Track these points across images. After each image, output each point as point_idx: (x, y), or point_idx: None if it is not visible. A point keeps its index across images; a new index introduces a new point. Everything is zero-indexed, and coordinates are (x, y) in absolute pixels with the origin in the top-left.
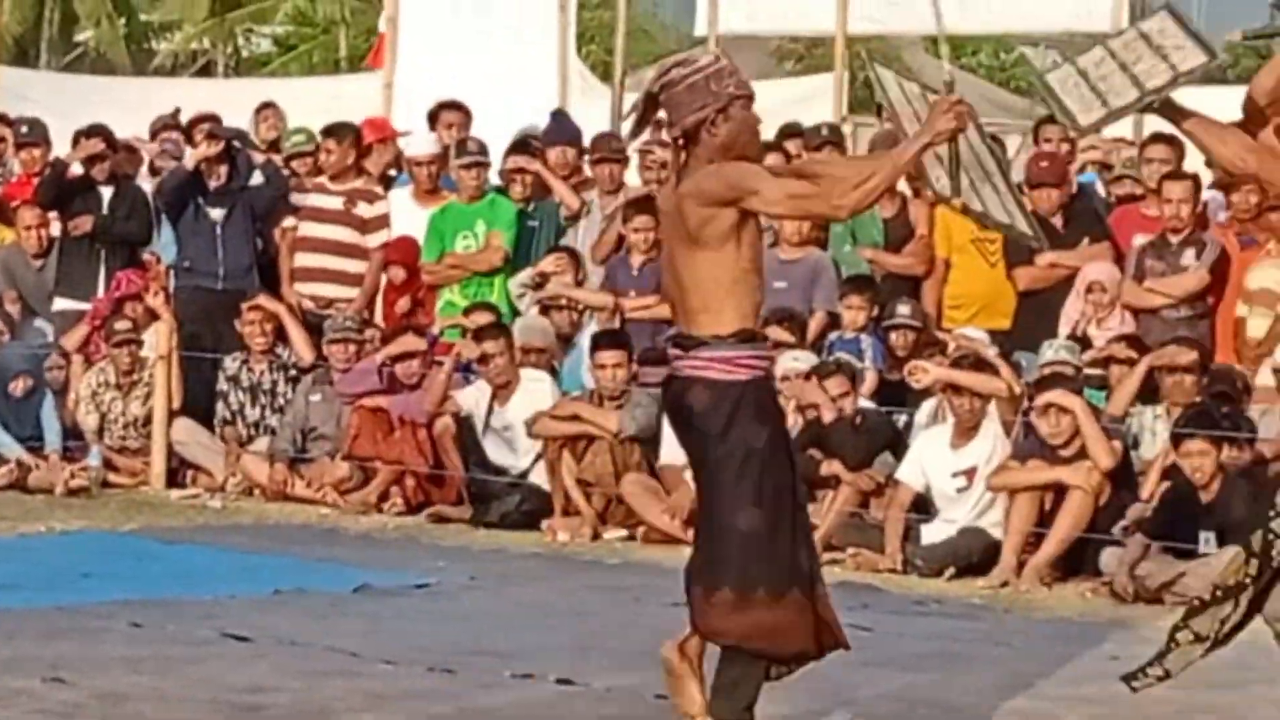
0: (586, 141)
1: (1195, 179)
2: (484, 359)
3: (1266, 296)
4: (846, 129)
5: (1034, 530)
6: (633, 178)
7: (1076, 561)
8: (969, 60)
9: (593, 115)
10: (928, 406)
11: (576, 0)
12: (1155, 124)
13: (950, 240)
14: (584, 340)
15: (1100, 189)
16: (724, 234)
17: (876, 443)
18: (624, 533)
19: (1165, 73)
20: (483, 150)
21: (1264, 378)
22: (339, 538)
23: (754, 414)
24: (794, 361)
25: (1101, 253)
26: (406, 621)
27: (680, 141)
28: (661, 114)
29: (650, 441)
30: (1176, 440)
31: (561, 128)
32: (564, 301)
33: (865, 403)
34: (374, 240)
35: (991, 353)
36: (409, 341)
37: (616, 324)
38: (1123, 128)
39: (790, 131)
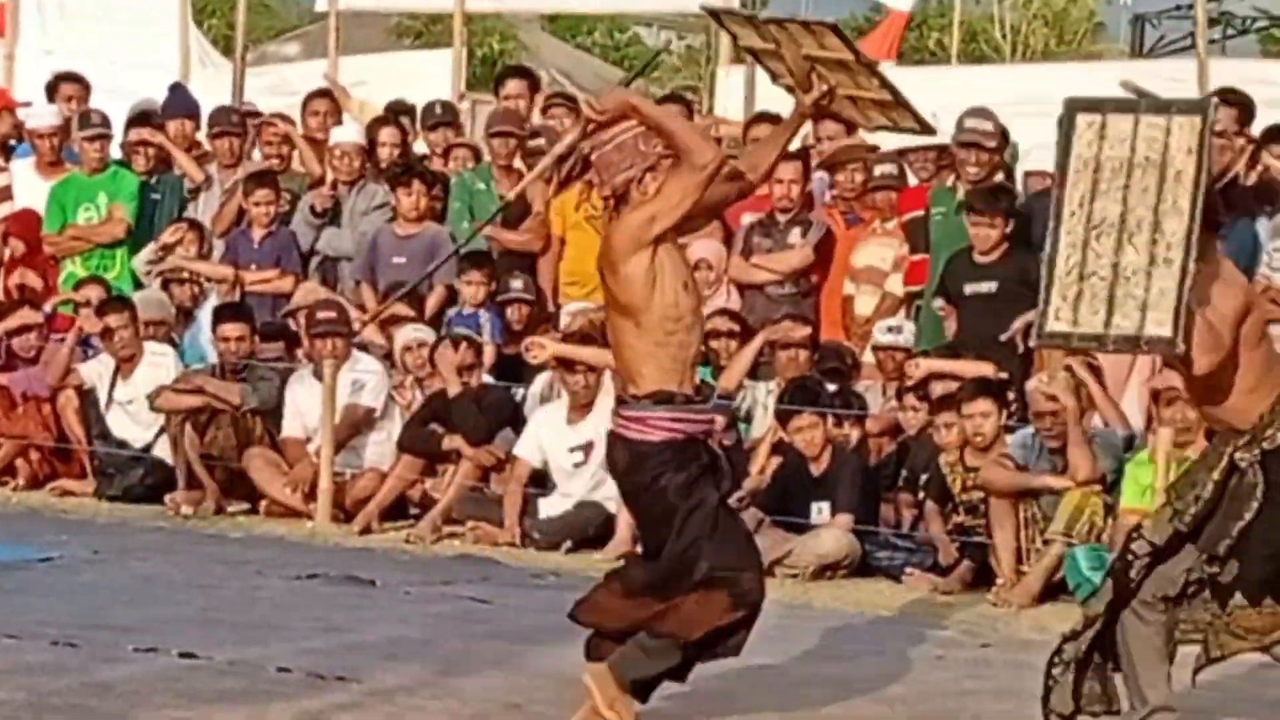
0: (205, 115)
1: (805, 159)
2: (107, 333)
3: (873, 274)
4: (464, 105)
5: None
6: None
7: None
8: (584, 40)
9: (214, 89)
10: (540, 382)
11: None
12: (762, 104)
13: (565, 218)
14: (204, 313)
15: None
16: (641, 294)
17: (497, 418)
18: (247, 506)
19: (1135, 320)
20: (105, 122)
21: (870, 354)
22: None
23: (672, 471)
24: (415, 333)
25: (710, 230)
26: (29, 595)
27: (611, 201)
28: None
29: (273, 414)
30: (786, 415)
31: (180, 101)
32: (185, 274)
33: (487, 378)
34: None
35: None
36: (25, 315)
37: (237, 297)
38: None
39: (401, 110)
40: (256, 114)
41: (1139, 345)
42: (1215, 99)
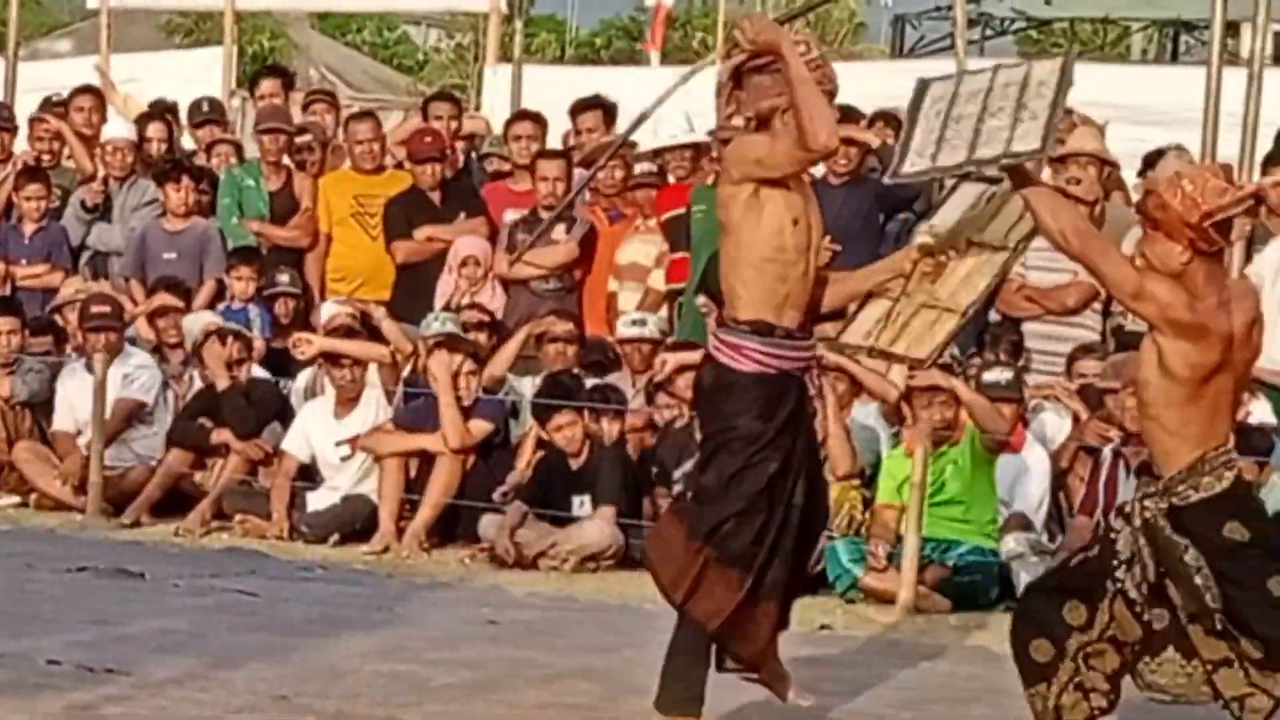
0: None
1: (567, 157)
2: None
3: (636, 271)
4: (235, 103)
5: (412, 496)
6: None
7: (456, 527)
8: (354, 38)
9: None
10: (304, 377)
11: None
12: (528, 103)
13: (331, 215)
14: None
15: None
16: (740, 214)
17: (265, 412)
18: (16, 499)
19: (1000, 144)
20: None
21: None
22: None
23: (753, 408)
24: (191, 324)
25: (477, 227)
26: None
27: (753, 123)
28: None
29: (43, 407)
30: (546, 412)
31: None
32: None
33: (258, 371)
34: None
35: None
36: None
37: (7, 291)
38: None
39: (165, 108)
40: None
41: (1003, 158)
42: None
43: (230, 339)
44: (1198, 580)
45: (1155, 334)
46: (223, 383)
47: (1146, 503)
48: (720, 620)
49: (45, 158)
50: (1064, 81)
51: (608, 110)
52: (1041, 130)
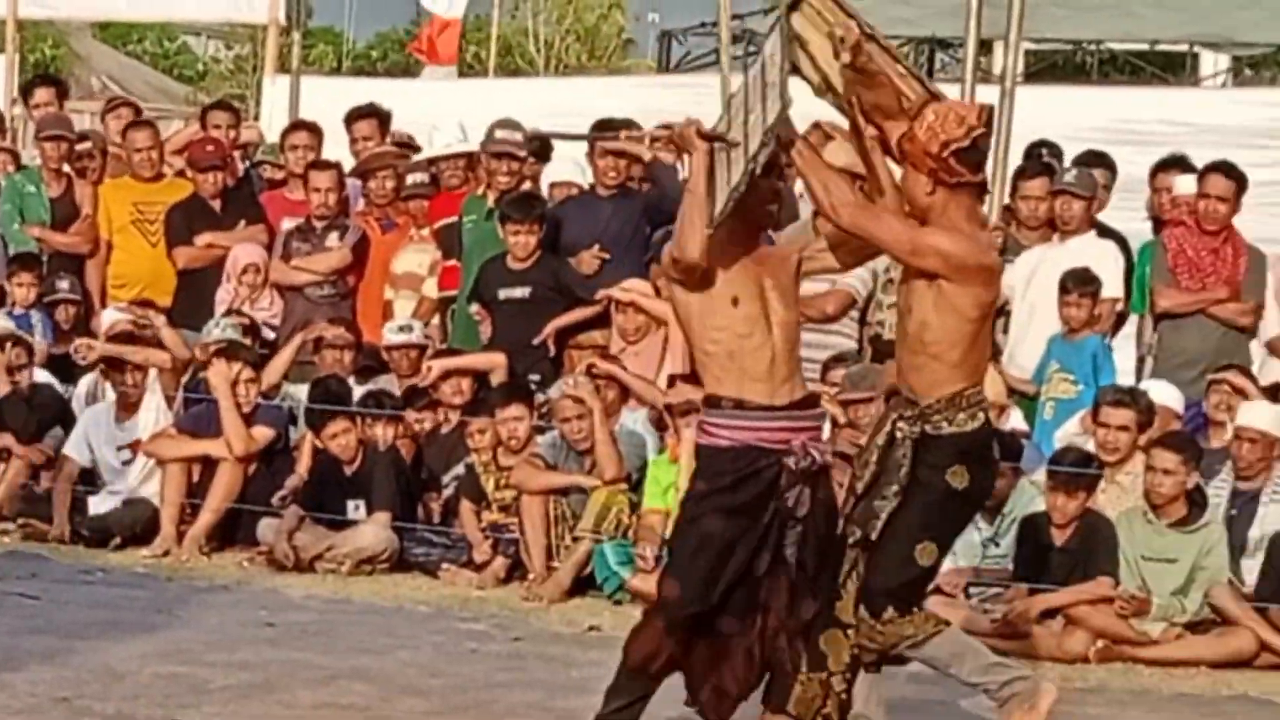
0: None
1: (338, 169)
2: None
3: (411, 280)
4: (19, 111)
5: (193, 501)
6: None
7: (235, 531)
8: (135, 48)
9: None
10: (85, 382)
11: None
12: (306, 113)
13: (111, 222)
14: None
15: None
16: (682, 315)
17: (47, 416)
18: None
19: (759, 131)
20: None
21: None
22: None
23: (704, 475)
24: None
25: (256, 234)
26: None
27: None
28: None
29: None
30: (320, 420)
31: None
32: None
33: (40, 376)
34: None
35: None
36: None
37: None
38: None
39: None
40: None
41: (766, 140)
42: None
43: (10, 344)
44: (883, 508)
45: (940, 282)
46: (3, 388)
47: (900, 424)
48: (644, 661)
49: None
50: (783, 41)
51: (382, 119)
52: (778, 93)
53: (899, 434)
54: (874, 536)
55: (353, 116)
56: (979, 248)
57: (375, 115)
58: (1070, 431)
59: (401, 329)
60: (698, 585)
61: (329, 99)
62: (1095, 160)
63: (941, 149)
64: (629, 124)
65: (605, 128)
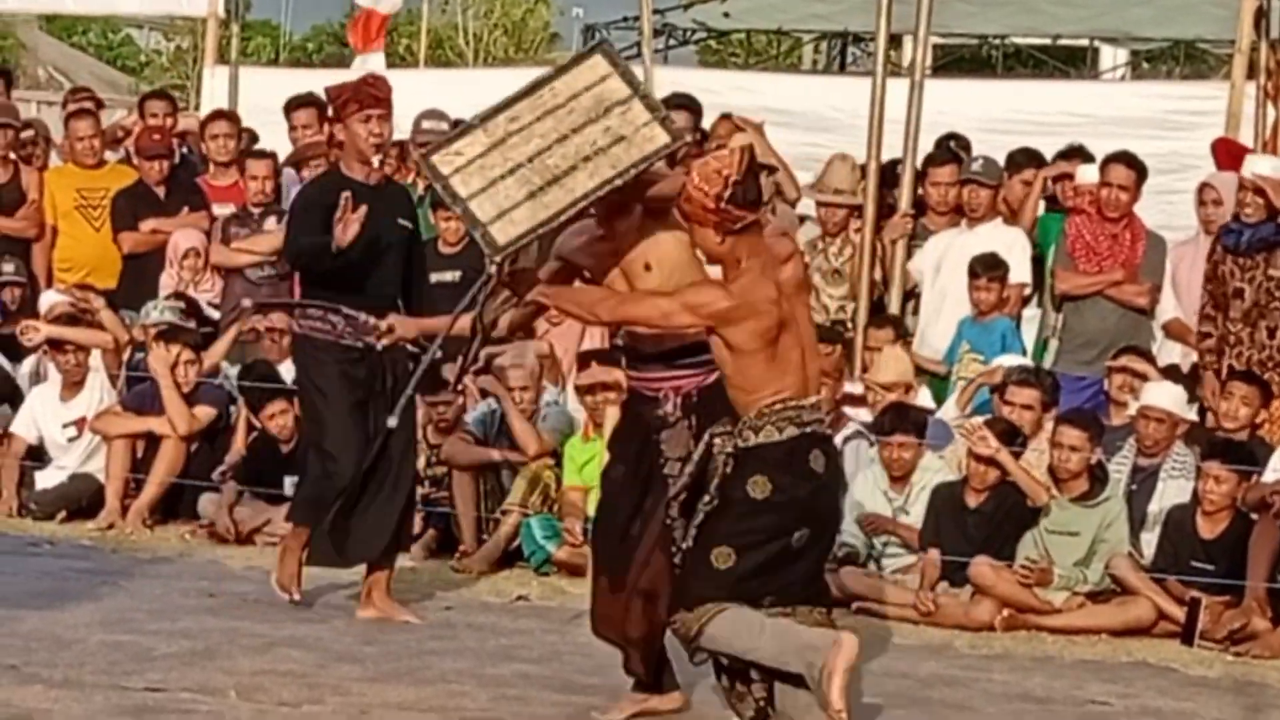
0: None
1: (273, 157)
2: None
3: None
4: None
5: (137, 476)
6: None
7: (178, 505)
8: (80, 39)
9: None
10: (29, 362)
11: None
12: (243, 104)
13: (56, 207)
14: None
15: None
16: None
17: None
18: None
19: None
20: None
21: None
22: None
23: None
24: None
25: (199, 220)
26: None
27: None
28: None
29: None
30: (256, 398)
31: None
32: None
33: None
34: None
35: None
36: None
37: None
38: None
39: None
40: None
41: (475, 229)
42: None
43: None
44: (695, 519)
45: (714, 334)
46: None
47: (717, 439)
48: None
49: None
50: (633, 81)
51: (321, 108)
52: (519, 234)
53: (715, 448)
54: (687, 545)
55: (292, 105)
56: (734, 287)
57: (314, 104)
58: (950, 413)
59: None
60: (605, 536)
61: (266, 90)
62: (1028, 159)
63: (716, 202)
64: None
65: None
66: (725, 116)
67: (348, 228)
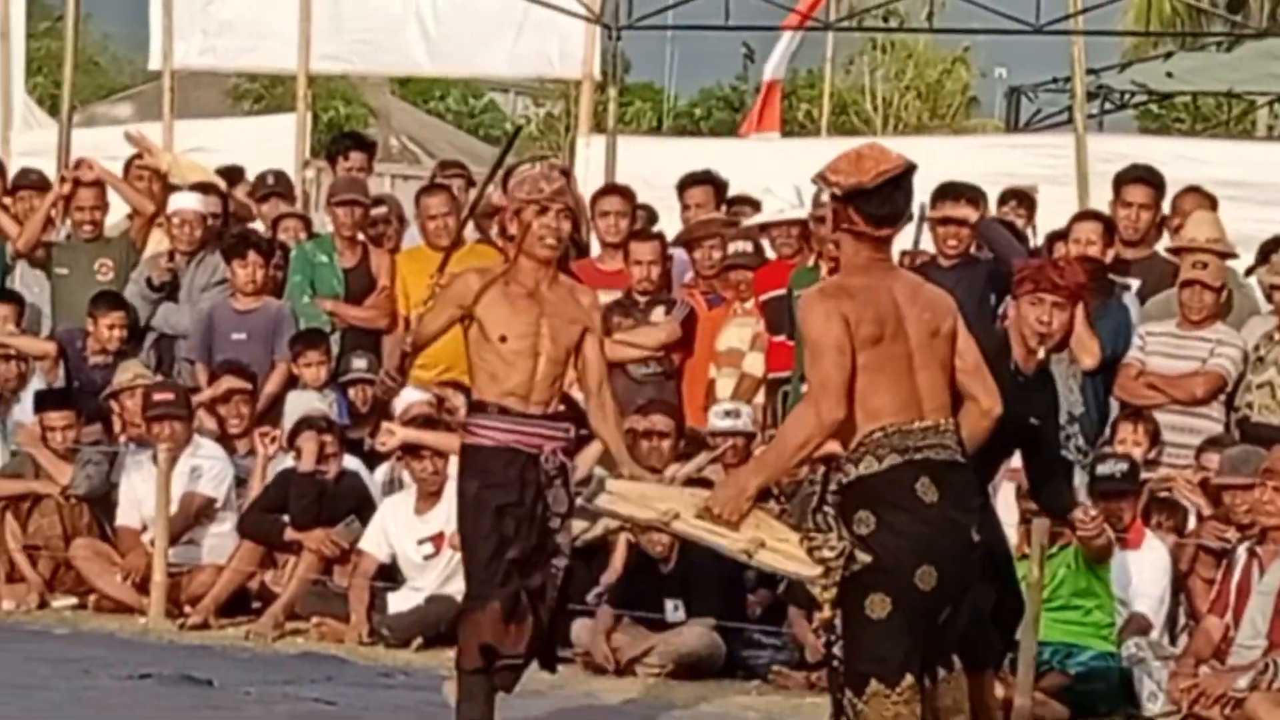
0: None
1: (661, 239)
2: None
3: (733, 356)
4: (309, 174)
5: None
6: None
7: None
8: (437, 105)
9: (35, 148)
10: (383, 470)
11: (23, 29)
12: (623, 176)
13: (409, 295)
14: (28, 395)
15: None
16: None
17: (343, 506)
18: (73, 600)
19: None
20: None
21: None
22: None
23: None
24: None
25: None
26: None
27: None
28: None
29: (102, 502)
30: None
31: None
32: (10, 351)
33: (350, 463)
34: None
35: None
36: None
37: (61, 375)
38: None
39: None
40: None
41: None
42: None
43: (319, 430)
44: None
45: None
46: (306, 468)
47: (817, 477)
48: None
49: (86, 229)
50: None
51: (718, 187)
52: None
53: (814, 487)
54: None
55: (686, 183)
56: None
57: (711, 182)
58: None
59: (728, 414)
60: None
61: (647, 161)
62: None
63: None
64: (973, 188)
65: (948, 193)
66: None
67: None
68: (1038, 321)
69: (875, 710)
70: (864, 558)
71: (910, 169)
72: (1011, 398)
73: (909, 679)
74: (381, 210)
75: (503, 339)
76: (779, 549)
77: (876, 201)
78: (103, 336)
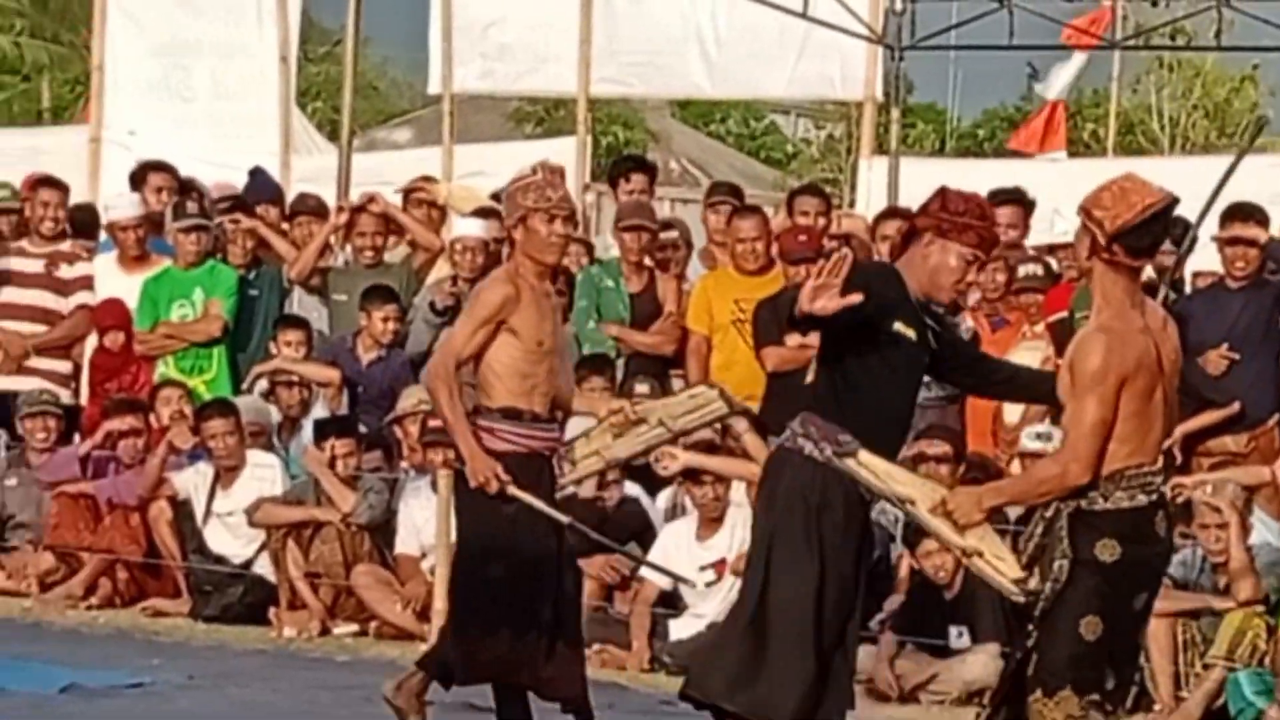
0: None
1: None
2: (207, 439)
3: None
4: (589, 198)
5: None
6: None
7: None
8: (717, 128)
9: (314, 173)
10: (665, 496)
11: (299, 54)
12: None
13: (713, 318)
14: (310, 422)
15: None
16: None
17: (623, 532)
18: (354, 627)
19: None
20: (203, 213)
21: (1018, 466)
22: (43, 633)
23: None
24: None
25: None
26: None
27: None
28: None
29: (382, 529)
30: (915, 539)
31: (262, 185)
32: (293, 378)
33: (630, 489)
34: (72, 301)
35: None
36: (129, 420)
37: (344, 403)
38: None
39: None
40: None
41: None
42: None
43: None
44: (1045, 587)
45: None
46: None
47: (1063, 503)
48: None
49: (367, 254)
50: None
51: (1026, 207)
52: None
53: (1051, 510)
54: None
55: (994, 202)
56: (1115, 358)
57: (1019, 202)
58: None
59: (1039, 436)
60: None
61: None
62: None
63: (1108, 238)
64: (1260, 209)
65: (1237, 213)
66: None
67: None
68: None
69: (1061, 711)
70: (1090, 580)
71: (1174, 203)
72: None
73: (1096, 695)
74: (671, 235)
75: (540, 344)
76: (994, 564)
77: (1138, 235)
78: (376, 330)
